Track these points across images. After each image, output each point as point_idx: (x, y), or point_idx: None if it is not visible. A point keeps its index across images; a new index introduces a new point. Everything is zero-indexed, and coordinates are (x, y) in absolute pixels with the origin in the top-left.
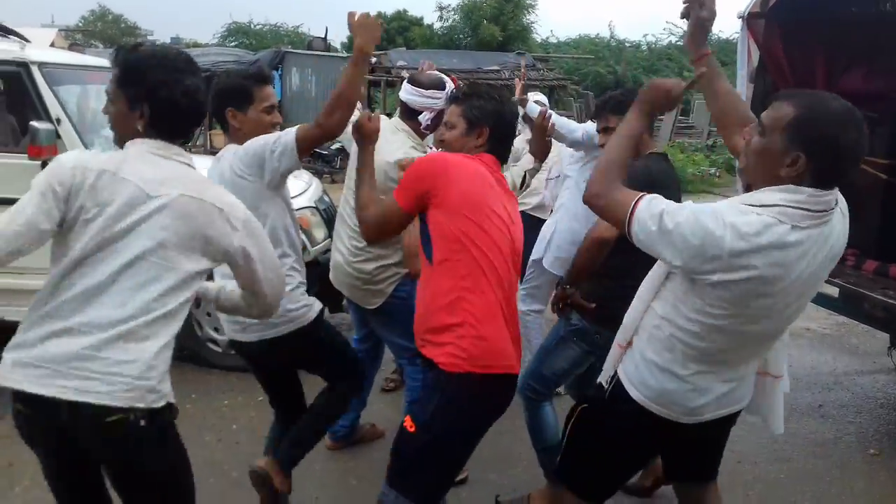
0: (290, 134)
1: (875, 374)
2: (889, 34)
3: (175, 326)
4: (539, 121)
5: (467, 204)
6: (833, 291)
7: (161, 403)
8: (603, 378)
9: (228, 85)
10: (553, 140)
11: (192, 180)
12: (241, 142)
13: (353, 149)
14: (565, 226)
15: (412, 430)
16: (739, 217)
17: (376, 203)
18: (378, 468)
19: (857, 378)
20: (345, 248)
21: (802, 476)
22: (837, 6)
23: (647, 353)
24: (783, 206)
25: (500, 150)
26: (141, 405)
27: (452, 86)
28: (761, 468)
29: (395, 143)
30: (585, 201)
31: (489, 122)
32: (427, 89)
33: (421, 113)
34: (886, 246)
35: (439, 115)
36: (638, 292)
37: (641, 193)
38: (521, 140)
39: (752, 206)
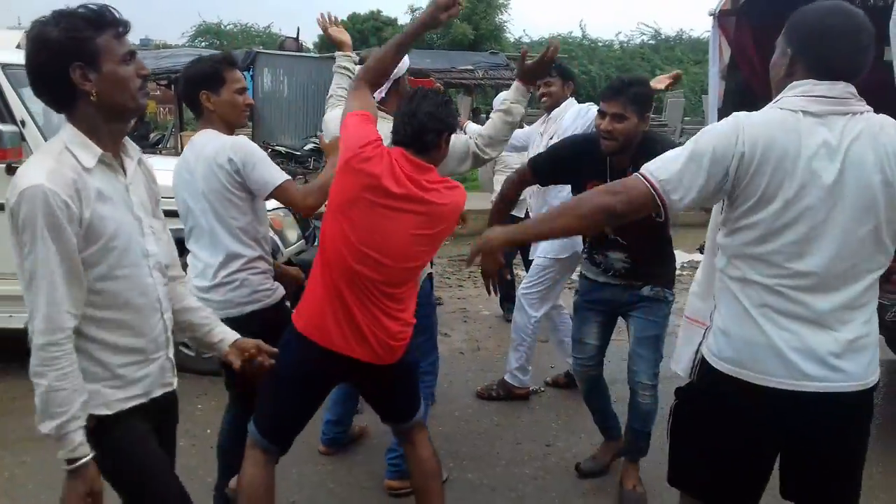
0: (279, 177)
1: None
2: None
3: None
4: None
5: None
6: None
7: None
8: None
9: (200, 70)
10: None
11: None
12: (216, 125)
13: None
14: None
15: None
16: None
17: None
18: (357, 472)
19: None
20: None
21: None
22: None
23: (725, 323)
24: (784, 98)
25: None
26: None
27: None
28: None
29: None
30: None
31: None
32: None
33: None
34: None
35: (391, 86)
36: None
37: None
38: None
39: None
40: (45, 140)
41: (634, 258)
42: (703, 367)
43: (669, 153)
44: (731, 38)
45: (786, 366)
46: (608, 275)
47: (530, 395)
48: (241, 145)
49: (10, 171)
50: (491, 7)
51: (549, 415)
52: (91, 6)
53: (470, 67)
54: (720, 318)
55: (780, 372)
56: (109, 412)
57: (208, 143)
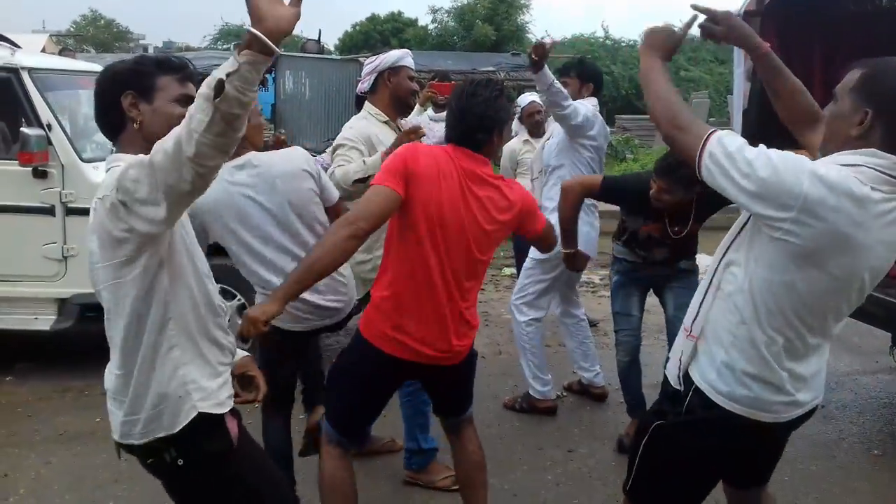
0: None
1: (877, 374)
2: (885, 29)
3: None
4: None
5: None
6: None
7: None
8: (671, 374)
9: None
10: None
11: None
12: (241, 149)
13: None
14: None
15: (338, 359)
16: (820, 167)
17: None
18: (374, 473)
19: (859, 378)
20: None
21: (806, 478)
22: (832, 2)
23: (735, 364)
24: (862, 166)
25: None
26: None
27: (386, 57)
28: None
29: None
30: (665, 133)
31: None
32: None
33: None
34: None
35: (376, 77)
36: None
37: (714, 129)
38: (518, 141)
39: (831, 164)
40: (71, 143)
41: (674, 251)
42: (698, 399)
43: None
44: None
45: (790, 401)
46: (649, 260)
47: (556, 409)
48: (312, 159)
49: (37, 174)
50: (513, 7)
51: (571, 420)
52: (168, 54)
53: (492, 69)
54: (723, 352)
55: (784, 409)
56: (224, 410)
57: (275, 163)
